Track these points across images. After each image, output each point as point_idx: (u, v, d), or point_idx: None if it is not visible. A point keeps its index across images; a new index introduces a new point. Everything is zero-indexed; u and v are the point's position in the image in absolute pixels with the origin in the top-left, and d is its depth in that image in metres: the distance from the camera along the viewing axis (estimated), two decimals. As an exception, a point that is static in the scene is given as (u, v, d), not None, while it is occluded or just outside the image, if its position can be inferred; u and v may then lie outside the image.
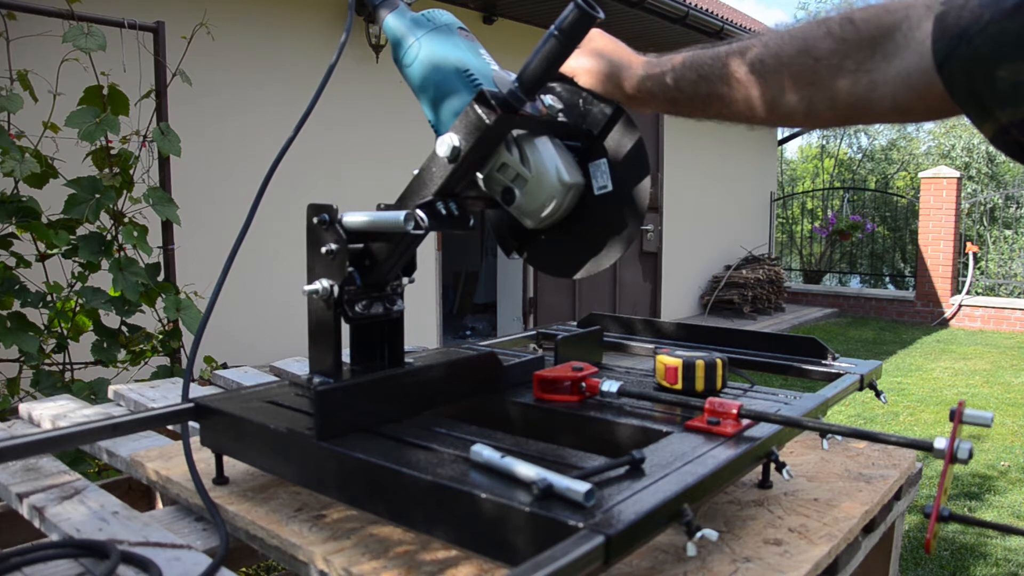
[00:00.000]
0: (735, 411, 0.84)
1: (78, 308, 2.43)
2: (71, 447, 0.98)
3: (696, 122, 0.89)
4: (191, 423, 0.98)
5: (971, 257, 9.16)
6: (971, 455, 0.65)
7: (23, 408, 1.43)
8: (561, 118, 0.98)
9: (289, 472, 0.87)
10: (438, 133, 0.93)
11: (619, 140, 0.96)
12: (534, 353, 1.30)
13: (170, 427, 1.27)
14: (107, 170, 2.46)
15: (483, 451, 0.72)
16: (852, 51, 0.67)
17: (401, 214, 0.86)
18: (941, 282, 9.07)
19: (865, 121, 0.72)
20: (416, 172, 0.92)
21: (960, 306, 8.95)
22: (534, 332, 1.54)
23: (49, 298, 2.36)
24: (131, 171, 2.52)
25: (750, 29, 7.91)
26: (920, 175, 9.71)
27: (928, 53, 0.60)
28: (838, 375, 1.13)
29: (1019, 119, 0.54)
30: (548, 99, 0.98)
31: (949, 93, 0.60)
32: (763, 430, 0.84)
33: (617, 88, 0.91)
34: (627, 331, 1.44)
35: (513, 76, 0.89)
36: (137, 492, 1.28)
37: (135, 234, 2.42)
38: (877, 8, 0.66)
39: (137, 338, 2.58)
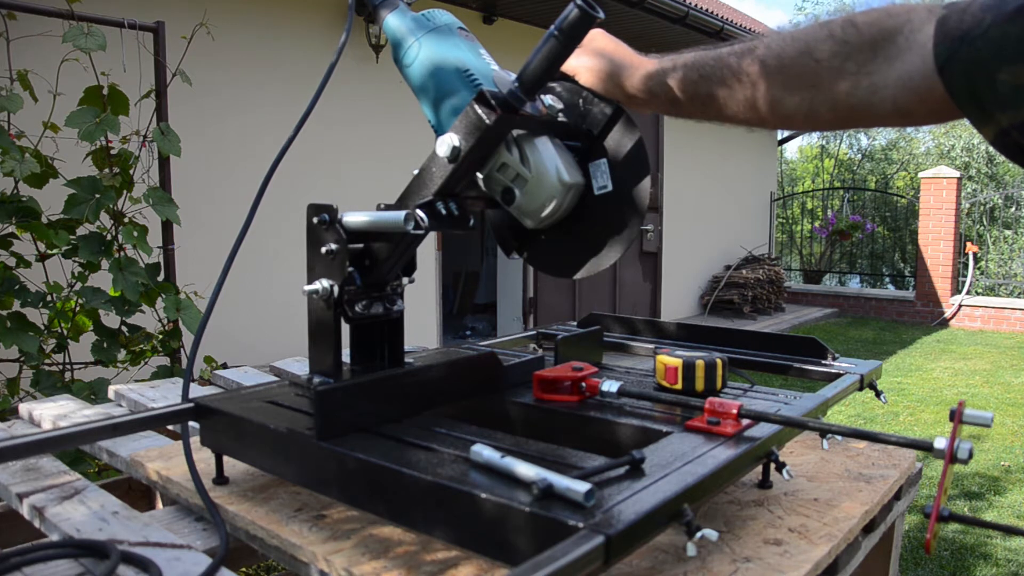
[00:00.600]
0: (735, 411, 0.84)
1: (78, 308, 2.43)
2: (71, 447, 0.98)
3: (696, 122, 0.89)
4: (191, 423, 0.98)
5: (971, 257, 9.16)
6: (971, 455, 0.65)
7: (23, 408, 1.43)
8: (561, 118, 0.98)
9: (289, 472, 0.88)
10: (438, 133, 0.93)
11: (619, 140, 0.96)
12: (534, 353, 1.30)
13: (170, 427, 1.27)
14: (107, 170, 2.46)
15: (483, 451, 0.72)
16: (854, 53, 0.67)
17: (401, 214, 0.86)
18: (941, 282, 9.07)
19: (866, 124, 0.72)
20: (416, 172, 0.92)
21: (960, 306, 8.95)
22: (534, 332, 1.54)
23: (49, 298, 2.36)
24: (131, 171, 2.52)
25: (750, 29, 7.91)
26: (920, 175, 9.71)
27: (929, 56, 0.60)
28: (838, 375, 1.13)
29: (1019, 122, 0.54)
30: (548, 99, 0.97)
31: (950, 96, 0.60)
32: (763, 430, 0.84)
33: (618, 88, 0.91)
34: (627, 331, 1.44)
35: (513, 76, 0.89)
36: (137, 492, 1.28)
37: (135, 234, 2.42)
38: (879, 11, 0.66)
39: (137, 338, 2.58)
